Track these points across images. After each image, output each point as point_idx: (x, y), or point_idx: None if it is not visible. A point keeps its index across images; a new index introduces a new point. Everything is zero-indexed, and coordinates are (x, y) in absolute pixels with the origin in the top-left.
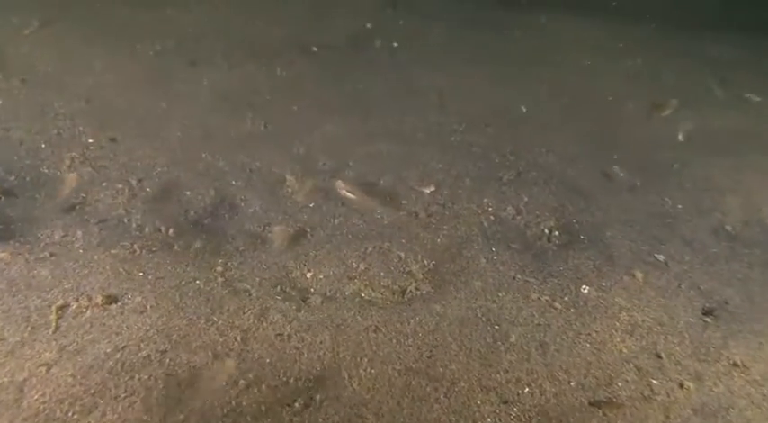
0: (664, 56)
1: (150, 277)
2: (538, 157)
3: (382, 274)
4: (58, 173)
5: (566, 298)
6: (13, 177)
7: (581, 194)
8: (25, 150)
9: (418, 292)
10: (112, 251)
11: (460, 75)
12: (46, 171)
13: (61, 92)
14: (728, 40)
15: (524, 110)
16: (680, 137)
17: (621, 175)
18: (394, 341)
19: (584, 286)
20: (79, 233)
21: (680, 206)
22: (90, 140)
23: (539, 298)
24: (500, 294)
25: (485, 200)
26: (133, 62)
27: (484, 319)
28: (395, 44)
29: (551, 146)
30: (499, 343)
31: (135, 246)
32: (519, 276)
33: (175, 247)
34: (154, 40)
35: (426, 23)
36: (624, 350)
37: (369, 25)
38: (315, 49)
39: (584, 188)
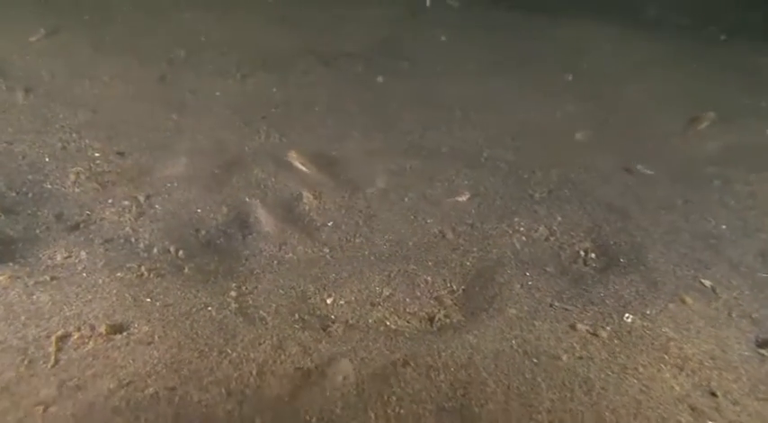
0: (700, 66)
1: (158, 304)
2: (569, 172)
3: (408, 300)
4: (63, 188)
5: (608, 327)
6: (14, 193)
7: (617, 213)
8: (28, 164)
9: (448, 321)
10: (118, 274)
11: (485, 86)
12: (49, 187)
13: (67, 102)
14: None
15: (552, 123)
16: (718, 152)
17: (660, 192)
18: (424, 377)
19: (627, 314)
20: (83, 254)
21: (724, 226)
22: (96, 154)
23: (579, 327)
24: (536, 323)
25: (516, 219)
26: (143, 72)
27: (521, 351)
28: (415, 54)
29: (583, 161)
30: (539, 379)
31: (142, 268)
32: (557, 304)
33: (186, 270)
34: (165, 49)
35: (447, 32)
36: (676, 387)
37: (388, 34)
38: (332, 58)
39: (620, 206)
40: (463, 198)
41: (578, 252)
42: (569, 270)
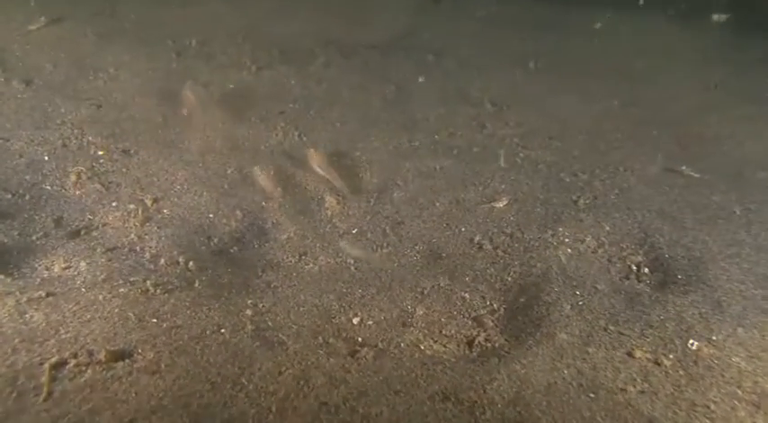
0: (748, 64)
1: (165, 325)
2: (615, 176)
3: (444, 320)
4: (63, 190)
5: (671, 355)
6: (10, 195)
7: (671, 222)
8: (26, 164)
9: (489, 345)
10: (121, 290)
11: (515, 80)
12: (48, 188)
13: (69, 96)
14: None
15: (591, 121)
16: None
17: (715, 198)
18: (467, 414)
19: (691, 340)
20: (83, 265)
21: None
22: (100, 152)
23: (639, 355)
24: (590, 350)
25: (560, 229)
26: (151, 63)
27: (575, 384)
28: (441, 45)
29: (629, 164)
30: (599, 418)
31: (148, 282)
32: (611, 327)
33: (196, 285)
34: (175, 39)
35: (473, 23)
36: None
37: (411, 24)
38: (352, 50)
39: (673, 214)
40: (500, 204)
41: (630, 266)
42: (622, 287)
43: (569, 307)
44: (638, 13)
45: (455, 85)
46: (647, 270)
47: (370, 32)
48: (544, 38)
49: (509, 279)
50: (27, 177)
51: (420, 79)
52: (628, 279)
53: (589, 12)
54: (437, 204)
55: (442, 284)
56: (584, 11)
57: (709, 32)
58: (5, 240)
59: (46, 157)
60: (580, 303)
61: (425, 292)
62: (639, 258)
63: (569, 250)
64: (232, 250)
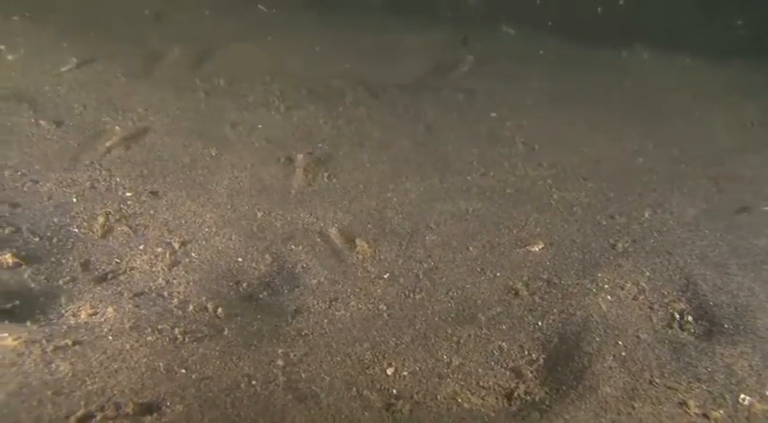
0: None
1: (194, 376)
2: (652, 219)
3: (481, 371)
4: (90, 233)
5: (721, 411)
6: (38, 238)
7: (714, 268)
8: (54, 206)
9: (529, 398)
10: (149, 338)
11: (547, 119)
12: (76, 231)
13: (98, 136)
14: None
15: (625, 161)
16: None
17: (757, 241)
18: None
19: (742, 396)
20: (110, 311)
21: None
22: (128, 194)
23: (688, 411)
24: (636, 405)
25: (598, 275)
26: (180, 103)
27: None
28: (470, 84)
29: (666, 206)
30: None
31: (176, 330)
32: (657, 380)
33: (225, 332)
34: (204, 78)
35: (502, 61)
36: None
37: (439, 62)
38: (381, 89)
39: (717, 259)
40: (536, 248)
41: (673, 314)
42: (666, 337)
43: (612, 358)
44: (665, 50)
45: (486, 124)
46: (690, 318)
47: (399, 71)
48: (574, 76)
49: (548, 327)
50: (55, 220)
51: (449, 119)
52: (671, 328)
53: (617, 48)
54: (470, 248)
55: (478, 333)
56: (612, 47)
57: (740, 69)
58: (33, 285)
59: (74, 199)
60: (623, 354)
61: (461, 341)
62: (682, 305)
63: (609, 297)
64: (261, 296)
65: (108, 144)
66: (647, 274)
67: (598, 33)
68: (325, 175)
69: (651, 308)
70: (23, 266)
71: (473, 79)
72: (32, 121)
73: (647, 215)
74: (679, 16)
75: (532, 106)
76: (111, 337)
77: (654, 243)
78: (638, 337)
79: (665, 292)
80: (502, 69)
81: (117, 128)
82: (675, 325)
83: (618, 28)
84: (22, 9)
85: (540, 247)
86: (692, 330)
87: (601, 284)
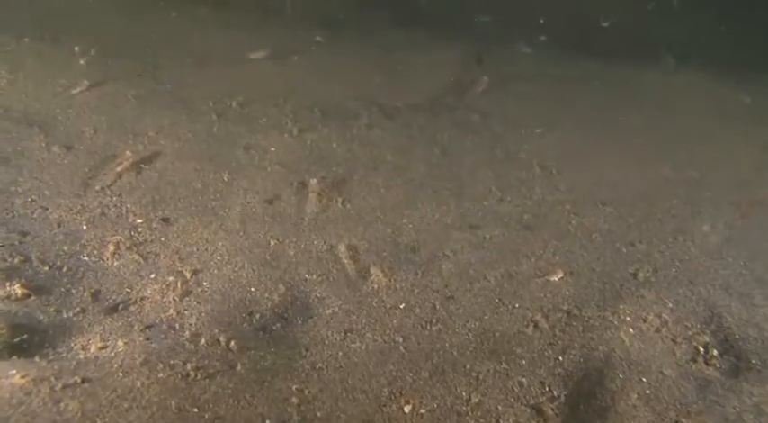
0: None
1: (207, 416)
2: (674, 247)
3: (501, 408)
4: (101, 261)
5: None
6: (47, 267)
7: (739, 298)
8: (64, 233)
9: None
10: (160, 375)
11: (564, 141)
12: (86, 259)
13: (108, 161)
14: None
15: (645, 185)
16: None
17: None
18: None
19: None
20: (120, 345)
21: None
22: (139, 220)
23: None
24: None
25: (620, 306)
26: (191, 126)
27: None
28: (486, 105)
29: (688, 233)
30: None
31: (188, 366)
32: (683, 420)
33: (238, 367)
34: (215, 101)
35: (516, 80)
36: None
37: (454, 82)
38: (395, 110)
39: (742, 289)
40: (555, 277)
41: (697, 348)
42: (690, 372)
43: (636, 396)
44: (684, 67)
45: (502, 147)
46: (715, 352)
47: (413, 92)
48: (591, 96)
49: (569, 363)
50: (65, 248)
51: (465, 141)
52: (695, 362)
53: (635, 65)
54: (488, 277)
55: (497, 368)
56: (629, 64)
57: (760, 90)
58: (41, 318)
59: (84, 226)
60: (647, 392)
61: (480, 376)
62: (707, 339)
63: (631, 330)
64: (275, 327)
65: (119, 169)
66: (670, 305)
67: (615, 50)
68: (339, 200)
69: (674, 341)
70: (32, 297)
71: (488, 100)
72: (43, 145)
73: (668, 242)
74: (698, 32)
75: (549, 127)
76: (121, 374)
77: (676, 272)
78: (662, 372)
79: (689, 325)
80: (518, 89)
81: (128, 152)
82: (700, 359)
83: (635, 45)
84: (34, 30)
85: (560, 276)
86: (718, 365)
87: (622, 317)
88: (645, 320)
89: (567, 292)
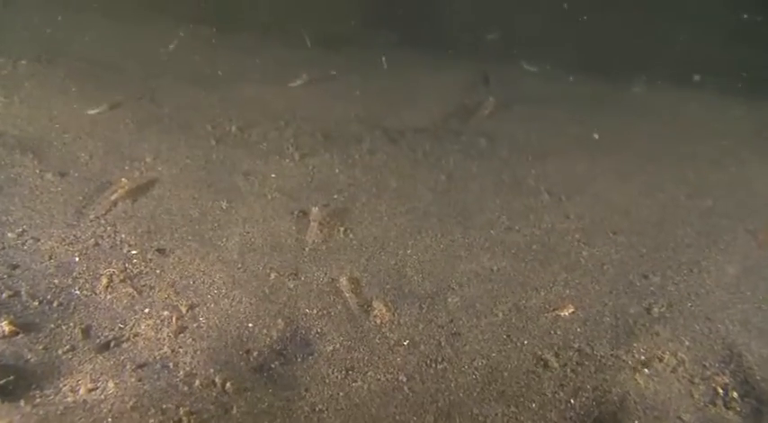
0: None
1: None
2: (689, 279)
3: None
4: (93, 295)
5: None
6: (37, 302)
7: (759, 336)
8: (55, 266)
9: None
10: (151, 421)
11: (572, 165)
12: (78, 293)
13: (103, 189)
14: None
15: (657, 213)
16: None
17: None
18: None
19: None
20: (110, 386)
21: None
22: (133, 252)
23: None
24: None
25: (634, 344)
26: (190, 151)
27: None
28: (492, 128)
29: (703, 264)
30: None
31: (181, 411)
32: None
33: (234, 411)
34: (214, 125)
35: (523, 102)
36: None
37: (460, 104)
38: (399, 134)
39: (762, 325)
40: (565, 312)
41: (716, 389)
42: (709, 416)
43: None
44: (696, 90)
45: (509, 172)
46: (735, 394)
47: (417, 114)
48: (601, 118)
49: (581, 407)
50: (56, 281)
51: (471, 167)
52: (714, 405)
53: (642, 84)
54: (496, 312)
55: (505, 411)
56: (636, 83)
57: None
58: (29, 357)
59: (77, 258)
60: None
61: (488, 421)
62: (726, 379)
63: (647, 370)
64: (273, 365)
65: (113, 197)
66: (687, 343)
67: (621, 69)
68: (341, 229)
69: (692, 382)
70: (20, 335)
71: (495, 123)
72: (37, 171)
73: (682, 274)
74: (706, 50)
75: (557, 152)
76: (110, 420)
77: (692, 307)
78: (680, 418)
79: (707, 364)
80: (524, 112)
81: (123, 179)
82: (720, 402)
83: (642, 63)
84: (31, 52)
85: (570, 311)
86: (739, 409)
87: (637, 356)
88: (660, 360)
89: (579, 329)
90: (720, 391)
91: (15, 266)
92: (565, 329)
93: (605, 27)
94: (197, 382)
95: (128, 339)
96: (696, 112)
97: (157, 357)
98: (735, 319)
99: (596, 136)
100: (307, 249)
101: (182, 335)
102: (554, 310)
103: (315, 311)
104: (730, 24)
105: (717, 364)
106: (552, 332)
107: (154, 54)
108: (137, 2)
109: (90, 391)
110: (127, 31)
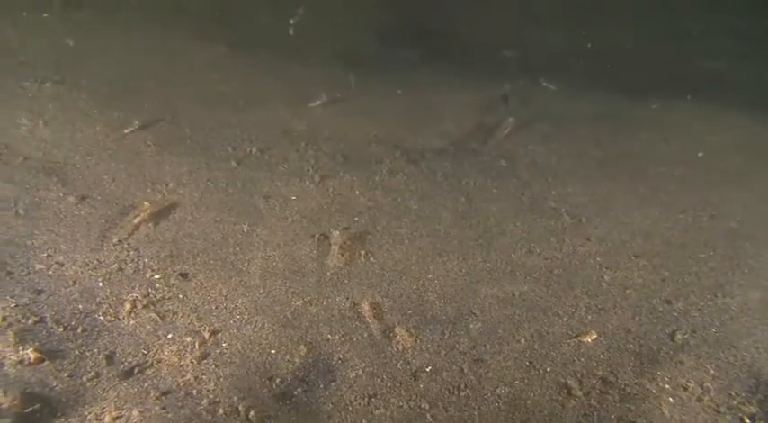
0: None
1: None
2: (713, 304)
3: None
4: (116, 320)
5: None
6: (61, 328)
7: None
8: (79, 291)
9: None
10: None
11: (593, 186)
12: (101, 318)
13: (126, 212)
14: None
15: (680, 235)
16: None
17: None
18: None
19: None
20: (135, 414)
21: None
22: (156, 276)
23: None
24: None
25: (658, 373)
26: (211, 173)
27: None
28: (512, 148)
29: (727, 288)
30: None
31: None
32: None
33: None
34: (235, 146)
35: (543, 121)
36: None
37: (479, 124)
38: (420, 155)
39: None
40: (588, 338)
41: (742, 419)
42: None
43: None
44: (712, 105)
45: (529, 194)
46: None
47: (437, 135)
48: (619, 136)
49: None
50: (80, 307)
51: (491, 189)
52: None
53: (663, 102)
54: (518, 338)
55: None
56: (656, 101)
57: None
58: (54, 384)
59: (100, 283)
60: None
61: None
62: (753, 409)
63: (671, 399)
64: (296, 392)
65: (136, 220)
66: (712, 371)
67: (640, 87)
68: (362, 253)
69: (718, 411)
70: (46, 362)
71: (514, 143)
72: (60, 195)
73: (706, 299)
74: (724, 66)
75: (577, 172)
76: None
77: (716, 333)
78: None
79: (733, 393)
80: (544, 131)
81: (146, 203)
82: None
83: (661, 80)
84: (55, 74)
85: (593, 337)
86: None
87: (661, 384)
88: (685, 388)
89: (602, 356)
90: (747, 421)
91: (40, 292)
92: (588, 356)
93: (625, 43)
94: (221, 411)
95: (151, 366)
96: (714, 126)
97: (181, 384)
98: (761, 347)
99: (616, 155)
100: (328, 274)
101: (205, 361)
102: (577, 336)
103: (337, 337)
104: (754, 41)
105: (743, 393)
106: (575, 359)
107: (173, 74)
108: (157, 23)
109: (115, 419)
110: (147, 51)
